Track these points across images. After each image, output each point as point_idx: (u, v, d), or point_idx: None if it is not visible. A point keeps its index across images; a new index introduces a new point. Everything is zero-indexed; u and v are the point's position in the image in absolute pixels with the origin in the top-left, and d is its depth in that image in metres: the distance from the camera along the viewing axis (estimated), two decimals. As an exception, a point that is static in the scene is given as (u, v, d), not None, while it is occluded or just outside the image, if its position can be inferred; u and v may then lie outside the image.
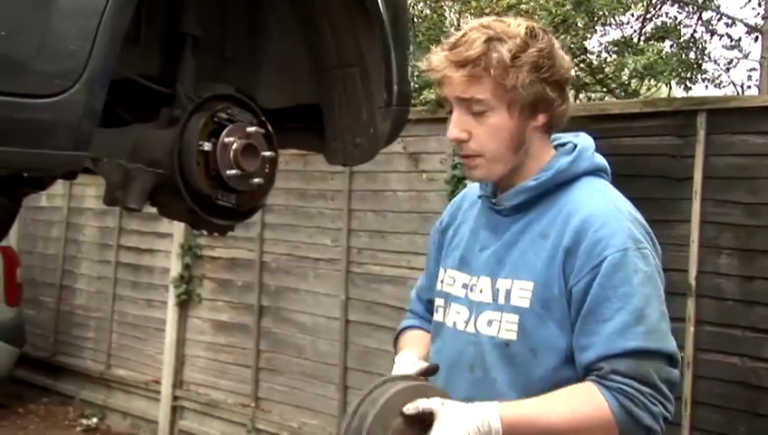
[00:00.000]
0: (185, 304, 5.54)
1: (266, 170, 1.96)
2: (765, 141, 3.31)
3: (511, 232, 1.52)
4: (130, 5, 1.57)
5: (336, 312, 4.71)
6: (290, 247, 5.00)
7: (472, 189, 1.72)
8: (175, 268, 5.56)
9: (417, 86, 4.51)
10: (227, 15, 2.16)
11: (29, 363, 6.49)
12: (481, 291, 1.51)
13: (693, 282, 3.33)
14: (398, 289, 4.35)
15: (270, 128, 1.99)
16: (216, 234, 2.10)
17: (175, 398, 5.55)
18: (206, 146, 1.85)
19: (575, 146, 1.55)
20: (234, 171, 1.87)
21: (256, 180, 1.91)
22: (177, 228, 5.51)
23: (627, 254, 1.41)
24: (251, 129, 1.91)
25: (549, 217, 1.49)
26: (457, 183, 4.03)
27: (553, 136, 1.58)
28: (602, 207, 1.47)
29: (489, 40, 1.44)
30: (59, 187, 6.29)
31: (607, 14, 3.48)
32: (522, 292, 1.46)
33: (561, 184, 1.51)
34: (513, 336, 1.46)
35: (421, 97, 3.94)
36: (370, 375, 4.53)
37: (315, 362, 4.82)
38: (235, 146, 1.86)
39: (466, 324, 1.53)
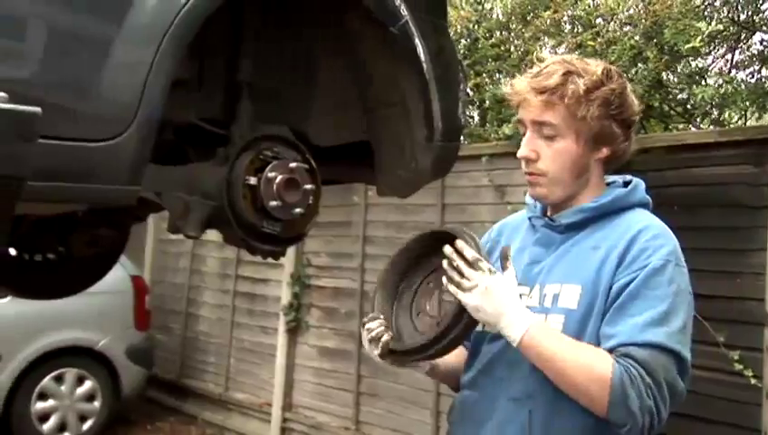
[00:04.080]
0: (294, 330, 5.85)
1: (309, 202, 2.17)
2: None
3: (563, 247, 1.68)
4: (175, 59, 1.82)
5: (430, 339, 4.84)
6: (388, 277, 5.20)
7: (511, 219, 1.92)
8: (285, 297, 5.89)
9: (496, 121, 4.65)
10: (283, 61, 2.41)
11: (159, 385, 7.01)
12: (531, 298, 1.66)
13: (770, 311, 3.28)
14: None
15: (313, 163, 2.20)
16: (270, 258, 2.32)
17: (284, 420, 5.85)
18: (252, 180, 2.08)
19: (625, 183, 1.73)
20: (276, 202, 2.08)
21: (298, 210, 2.12)
22: (288, 259, 5.84)
23: (668, 265, 1.56)
24: (293, 164, 2.13)
25: (600, 234, 1.64)
26: (539, 214, 4.11)
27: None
28: (656, 225, 1.63)
29: (568, 73, 1.64)
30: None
31: (677, 45, 3.49)
32: (570, 295, 1.60)
33: (615, 211, 1.67)
34: None
35: (500, 132, 4.07)
36: (461, 402, 4.64)
37: (411, 387, 4.98)
38: (277, 180, 2.09)
39: None
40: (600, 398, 1.48)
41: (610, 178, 1.74)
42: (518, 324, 1.54)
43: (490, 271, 1.56)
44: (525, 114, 1.68)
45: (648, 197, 1.72)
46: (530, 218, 1.78)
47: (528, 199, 1.80)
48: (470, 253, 1.57)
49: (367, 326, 1.70)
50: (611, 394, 1.47)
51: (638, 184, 1.72)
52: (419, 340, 1.63)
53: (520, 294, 1.67)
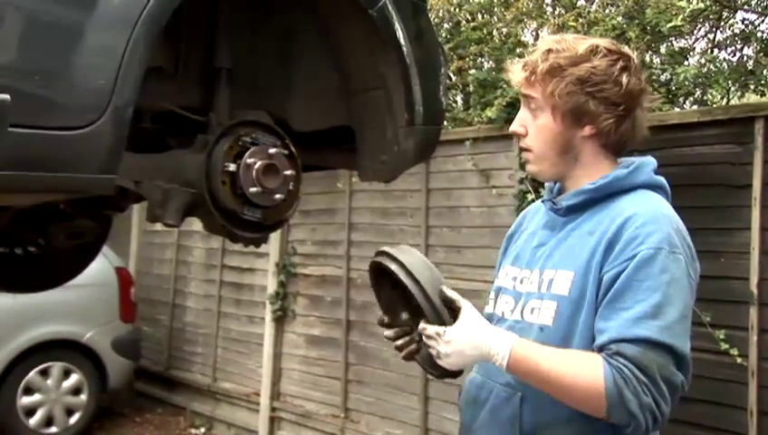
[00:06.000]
0: (280, 319, 5.83)
1: (290, 187, 2.14)
2: (828, 146, 3.24)
3: (565, 230, 1.65)
4: (148, 48, 1.79)
5: (417, 325, 4.83)
6: (374, 264, 5.18)
7: (537, 203, 1.89)
8: (271, 286, 5.86)
9: (480, 105, 4.63)
10: (260, 48, 2.37)
11: (146, 376, 6.99)
12: (531, 282, 1.65)
13: (755, 290, 3.27)
14: (473, 302, 4.42)
15: (293, 149, 2.17)
16: (252, 246, 2.29)
17: (273, 409, 5.84)
18: (231, 167, 2.05)
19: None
20: (256, 189, 2.06)
21: (278, 196, 2.10)
22: (274, 248, 5.81)
23: (659, 253, 1.50)
24: (272, 150, 2.10)
25: (598, 218, 1.61)
26: (523, 197, 4.10)
27: (621, 159, 1.71)
28: (648, 210, 1.57)
29: (548, 51, 1.63)
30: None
31: (659, 25, 3.47)
32: (563, 281, 1.57)
33: (616, 192, 1.62)
34: (549, 322, 1.58)
35: (483, 115, 4.05)
36: (449, 386, 4.64)
37: (399, 373, 4.97)
38: (256, 166, 2.06)
39: (512, 313, 1.67)
40: (598, 403, 1.46)
41: (622, 160, 1.70)
42: (499, 351, 1.53)
43: (438, 334, 1.57)
44: (518, 87, 1.71)
45: (655, 177, 1.66)
46: (543, 201, 1.77)
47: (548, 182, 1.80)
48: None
49: (388, 336, 1.75)
50: (608, 398, 1.44)
51: (642, 164, 1.66)
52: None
53: (521, 279, 1.68)
